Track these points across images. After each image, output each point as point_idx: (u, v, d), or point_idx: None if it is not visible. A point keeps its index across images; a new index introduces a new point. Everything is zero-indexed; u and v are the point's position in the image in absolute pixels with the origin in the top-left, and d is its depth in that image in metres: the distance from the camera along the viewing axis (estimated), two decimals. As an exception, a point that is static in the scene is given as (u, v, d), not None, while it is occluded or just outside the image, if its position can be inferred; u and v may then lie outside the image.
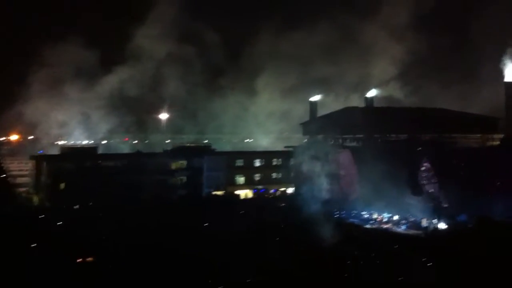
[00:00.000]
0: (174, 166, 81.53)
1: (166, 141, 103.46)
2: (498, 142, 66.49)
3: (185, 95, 79.58)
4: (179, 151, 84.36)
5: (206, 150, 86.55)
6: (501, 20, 62.43)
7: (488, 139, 70.24)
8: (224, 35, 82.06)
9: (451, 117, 74.63)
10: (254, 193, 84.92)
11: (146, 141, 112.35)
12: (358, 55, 73.47)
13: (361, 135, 77.82)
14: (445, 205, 60.34)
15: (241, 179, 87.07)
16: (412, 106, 76.70)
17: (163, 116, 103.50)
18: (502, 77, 61.10)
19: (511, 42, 60.47)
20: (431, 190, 62.62)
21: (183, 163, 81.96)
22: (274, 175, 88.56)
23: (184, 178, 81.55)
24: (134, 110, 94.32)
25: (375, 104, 77.49)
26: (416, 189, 64.60)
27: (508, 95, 62.52)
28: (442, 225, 59.57)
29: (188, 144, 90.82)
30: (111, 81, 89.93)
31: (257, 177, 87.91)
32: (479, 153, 66.12)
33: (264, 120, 78.71)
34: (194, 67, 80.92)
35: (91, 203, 66.10)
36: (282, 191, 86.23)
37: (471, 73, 67.62)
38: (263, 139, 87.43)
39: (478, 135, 71.53)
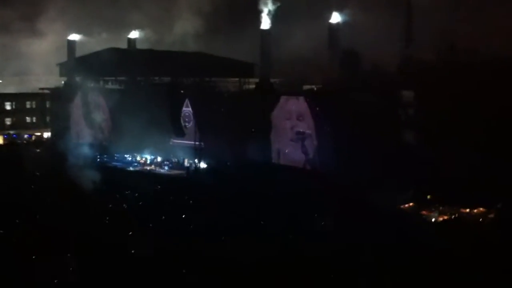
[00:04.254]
0: None
1: None
2: (253, 86, 70.52)
3: None
4: None
5: None
6: None
7: (244, 83, 74.14)
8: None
9: (212, 61, 76.86)
10: (5, 139, 78.05)
11: None
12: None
13: (123, 78, 75.70)
14: (205, 145, 62.71)
15: (-11, 124, 79.20)
16: (174, 50, 76.69)
17: None
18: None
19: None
20: (193, 131, 64.38)
21: None
22: (28, 119, 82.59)
23: None
24: None
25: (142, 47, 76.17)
26: (178, 131, 65.91)
27: (262, 41, 66.04)
28: (203, 165, 62.08)
29: None
30: None
31: (8, 121, 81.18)
32: (235, 96, 69.18)
33: (19, 61, 71.37)
34: None
35: None
36: (37, 136, 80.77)
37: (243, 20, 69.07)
38: (19, 80, 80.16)
39: (236, 79, 75.08)
